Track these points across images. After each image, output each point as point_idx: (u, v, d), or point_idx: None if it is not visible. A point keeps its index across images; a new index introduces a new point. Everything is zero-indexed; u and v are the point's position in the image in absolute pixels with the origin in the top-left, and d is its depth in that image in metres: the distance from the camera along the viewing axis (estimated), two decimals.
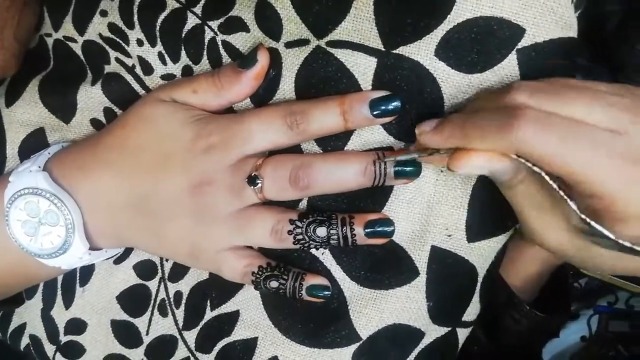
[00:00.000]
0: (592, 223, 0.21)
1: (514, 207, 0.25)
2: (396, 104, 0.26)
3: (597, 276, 0.41)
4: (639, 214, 0.20)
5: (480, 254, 0.29)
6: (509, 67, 0.25)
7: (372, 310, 0.28)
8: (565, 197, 0.22)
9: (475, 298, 0.30)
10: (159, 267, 0.32)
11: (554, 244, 0.24)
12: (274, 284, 0.28)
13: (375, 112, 0.26)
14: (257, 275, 0.28)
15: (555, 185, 0.22)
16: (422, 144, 0.25)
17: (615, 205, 0.20)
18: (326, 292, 0.28)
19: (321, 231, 0.27)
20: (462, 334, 0.31)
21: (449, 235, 0.28)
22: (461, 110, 0.26)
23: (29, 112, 0.33)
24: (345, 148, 0.28)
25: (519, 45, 0.25)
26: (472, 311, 0.31)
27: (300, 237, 0.27)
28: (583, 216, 0.21)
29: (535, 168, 0.21)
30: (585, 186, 0.20)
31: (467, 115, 0.23)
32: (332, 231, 0.27)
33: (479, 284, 0.30)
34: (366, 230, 0.27)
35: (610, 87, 0.22)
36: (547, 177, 0.21)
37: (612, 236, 0.21)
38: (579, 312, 0.44)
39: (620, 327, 0.42)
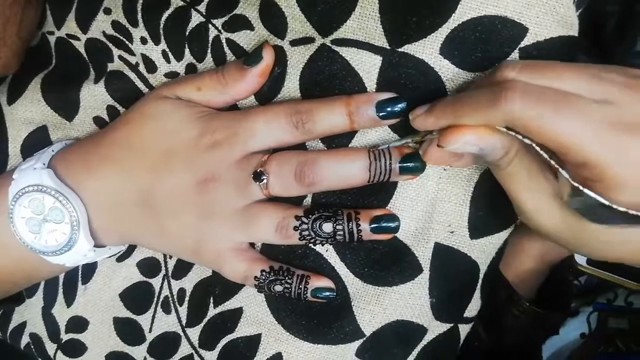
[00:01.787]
0: (585, 190, 0.21)
1: (506, 190, 0.25)
2: (402, 105, 0.26)
3: (596, 273, 0.42)
4: (629, 181, 0.20)
5: (483, 251, 0.29)
6: None
7: (376, 306, 0.29)
8: (557, 165, 0.21)
9: (477, 294, 0.30)
10: (163, 265, 0.32)
11: (547, 225, 0.24)
12: (278, 287, 0.28)
13: (381, 114, 0.26)
14: (261, 280, 0.28)
15: (546, 155, 0.22)
16: (417, 128, 0.25)
17: (605, 173, 0.20)
18: (330, 294, 0.29)
19: (327, 227, 0.27)
20: (464, 330, 0.31)
21: (452, 232, 0.28)
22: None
23: (31, 109, 0.33)
24: (350, 145, 0.28)
25: (522, 44, 0.25)
26: (473, 307, 0.31)
27: (306, 232, 0.27)
28: (575, 184, 0.21)
29: (526, 140, 0.21)
30: (576, 154, 0.20)
31: (458, 94, 0.24)
32: (338, 227, 0.27)
33: (480, 280, 0.30)
34: (372, 226, 0.27)
35: (600, 65, 0.22)
36: (537, 148, 0.22)
37: (605, 201, 0.21)
38: (579, 309, 0.45)
39: (620, 324, 0.43)
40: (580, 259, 0.42)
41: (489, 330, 0.40)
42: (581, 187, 0.21)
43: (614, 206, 0.21)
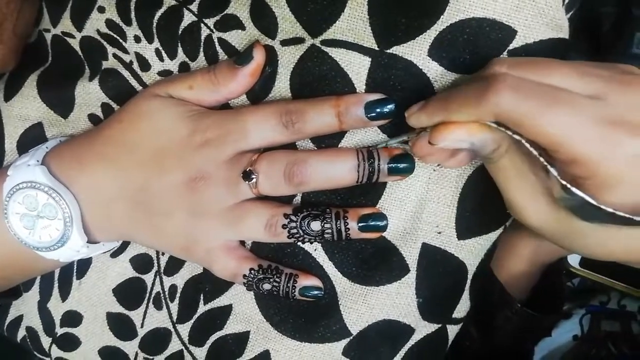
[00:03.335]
0: (573, 189, 0.21)
1: (497, 182, 0.25)
2: (391, 107, 0.26)
3: (589, 276, 0.42)
4: (620, 179, 0.20)
5: (470, 251, 0.29)
6: None
7: (363, 306, 0.29)
8: (546, 163, 0.21)
9: (465, 295, 0.31)
10: (155, 261, 0.33)
11: (537, 221, 0.24)
12: (266, 286, 0.29)
13: (370, 115, 0.26)
14: (250, 278, 0.29)
15: (535, 152, 0.21)
16: (412, 125, 0.25)
17: (596, 170, 0.20)
18: (318, 292, 0.29)
19: (315, 225, 0.27)
20: (452, 330, 0.31)
21: (439, 233, 0.28)
22: None
23: (27, 106, 0.33)
24: (339, 145, 0.28)
25: (510, 47, 0.25)
26: (462, 308, 0.31)
27: (294, 231, 0.27)
28: (564, 182, 0.21)
29: (515, 136, 0.21)
30: (567, 151, 0.20)
31: (450, 90, 0.24)
32: (326, 225, 0.27)
33: (468, 281, 0.30)
34: (360, 224, 0.27)
35: (591, 62, 0.22)
36: (527, 145, 0.21)
37: (592, 201, 0.20)
38: (571, 312, 0.45)
39: (612, 326, 0.42)
40: (573, 261, 0.42)
41: (480, 331, 0.40)
42: (569, 186, 0.21)
43: (602, 206, 0.20)
